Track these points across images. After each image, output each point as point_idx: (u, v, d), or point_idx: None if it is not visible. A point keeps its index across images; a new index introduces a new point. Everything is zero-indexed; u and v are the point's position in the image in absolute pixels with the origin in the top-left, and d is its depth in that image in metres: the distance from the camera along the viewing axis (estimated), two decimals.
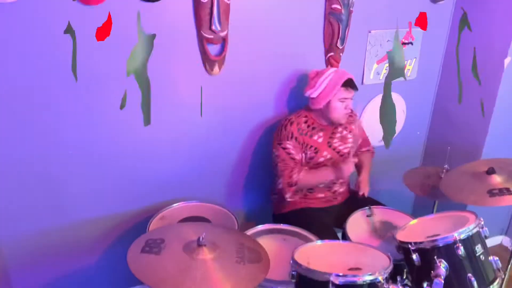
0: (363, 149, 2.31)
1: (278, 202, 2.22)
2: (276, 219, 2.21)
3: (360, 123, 2.32)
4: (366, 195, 2.14)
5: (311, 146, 2.05)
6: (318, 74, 2.03)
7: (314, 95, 2.01)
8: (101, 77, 1.85)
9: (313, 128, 2.06)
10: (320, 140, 2.07)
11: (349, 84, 1.98)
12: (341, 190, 2.20)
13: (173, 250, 1.40)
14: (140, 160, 2.07)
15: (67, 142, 1.89)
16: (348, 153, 2.14)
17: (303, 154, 2.05)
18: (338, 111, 2.02)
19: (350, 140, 2.17)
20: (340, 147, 2.13)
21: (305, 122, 2.06)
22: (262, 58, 2.13)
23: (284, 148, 2.02)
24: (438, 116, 2.80)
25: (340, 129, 2.13)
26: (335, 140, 2.11)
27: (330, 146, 2.09)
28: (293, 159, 2.02)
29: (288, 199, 2.06)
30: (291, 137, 2.01)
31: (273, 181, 2.23)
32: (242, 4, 1.97)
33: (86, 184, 2.00)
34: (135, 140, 2.02)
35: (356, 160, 2.08)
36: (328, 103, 2.00)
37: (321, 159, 2.07)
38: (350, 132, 2.17)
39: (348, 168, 2.03)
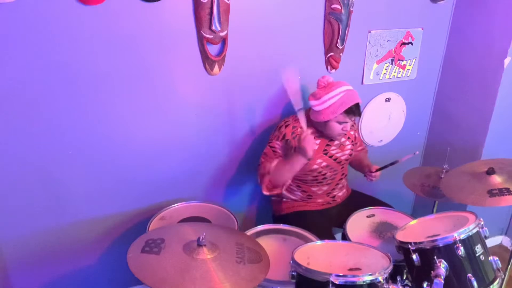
0: (359, 148, 2.31)
1: (277, 204, 2.22)
2: (276, 220, 2.21)
3: (356, 126, 2.31)
4: (377, 174, 2.10)
5: (288, 142, 2.00)
6: (328, 87, 1.94)
7: (315, 109, 1.96)
8: (101, 77, 1.85)
9: (311, 134, 1.99)
10: (316, 147, 2.02)
11: (352, 111, 1.91)
12: (340, 194, 2.21)
13: (173, 250, 1.40)
14: (140, 160, 2.07)
15: (67, 142, 1.89)
16: (346, 159, 2.14)
17: None
18: (334, 131, 1.97)
19: (349, 147, 2.14)
20: (338, 154, 2.09)
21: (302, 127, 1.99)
22: (262, 58, 2.13)
23: (272, 147, 2.01)
24: (438, 116, 2.80)
25: None
26: (333, 148, 2.07)
27: (326, 154, 2.06)
28: (275, 152, 1.99)
29: (264, 193, 1.98)
30: (282, 138, 1.98)
31: None
32: (242, 4, 1.97)
33: (86, 184, 2.00)
34: (135, 140, 2.02)
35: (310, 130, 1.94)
36: (327, 121, 1.95)
37: (315, 167, 2.04)
38: (348, 138, 2.14)
39: (308, 144, 1.85)
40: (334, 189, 2.16)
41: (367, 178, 2.15)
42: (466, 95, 2.57)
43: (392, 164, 2.05)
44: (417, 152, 2.07)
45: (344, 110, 1.89)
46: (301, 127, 1.95)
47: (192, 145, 2.16)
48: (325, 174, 2.08)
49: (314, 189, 2.12)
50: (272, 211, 2.28)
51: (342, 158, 2.12)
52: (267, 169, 1.96)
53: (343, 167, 2.16)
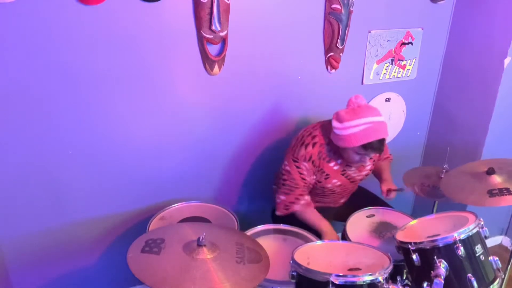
0: (384, 156, 2.24)
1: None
2: (276, 218, 2.21)
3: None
4: (391, 195, 2.06)
5: (324, 172, 1.93)
6: (355, 112, 1.76)
7: (336, 132, 1.79)
8: (102, 77, 1.85)
9: (334, 153, 1.91)
10: (336, 167, 1.94)
11: (372, 147, 1.75)
12: (342, 200, 2.19)
13: (173, 250, 1.40)
14: (140, 160, 2.07)
15: (67, 142, 1.89)
16: (361, 179, 2.08)
17: (314, 176, 1.95)
18: (352, 159, 1.86)
19: (368, 167, 2.04)
20: (354, 175, 2.02)
21: (328, 144, 1.89)
22: (262, 58, 2.13)
23: (298, 167, 1.89)
24: (438, 116, 2.80)
25: None
26: (353, 169, 1.99)
27: (343, 174, 1.98)
28: (304, 179, 1.92)
29: (277, 214, 2.02)
30: (309, 160, 1.87)
31: (274, 181, 2.23)
32: (242, 4, 1.97)
33: (86, 184, 2.00)
34: (135, 140, 2.02)
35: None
36: (345, 148, 1.82)
37: (329, 185, 1.98)
38: (371, 158, 1.97)
39: (331, 237, 1.85)
40: (337, 199, 2.15)
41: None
42: (466, 95, 2.57)
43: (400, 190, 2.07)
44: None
45: (363, 144, 1.74)
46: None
47: (192, 145, 2.16)
48: (334, 190, 2.05)
49: (317, 198, 2.09)
50: (272, 209, 2.28)
51: (358, 178, 2.06)
52: (293, 208, 1.93)
53: (355, 185, 2.12)
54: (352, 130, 1.74)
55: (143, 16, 1.82)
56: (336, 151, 1.89)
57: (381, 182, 2.13)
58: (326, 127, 1.92)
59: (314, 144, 1.88)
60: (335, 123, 1.80)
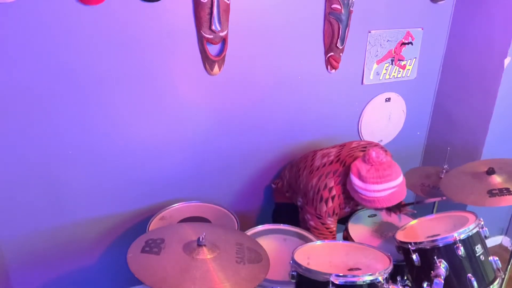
0: None
1: (278, 192, 2.22)
2: (276, 216, 2.21)
3: None
4: (406, 212, 2.06)
5: (337, 214, 1.93)
6: (379, 174, 1.68)
7: (357, 189, 1.73)
8: (102, 77, 1.85)
9: (347, 198, 1.87)
10: (347, 210, 1.96)
11: (392, 206, 1.79)
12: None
13: (173, 250, 1.40)
14: (140, 160, 2.07)
15: (67, 142, 1.89)
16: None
17: None
18: (365, 207, 1.92)
19: None
20: (355, 207, 2.04)
21: (343, 192, 1.84)
22: (262, 58, 2.13)
23: (324, 224, 1.87)
24: (438, 116, 2.80)
25: None
26: (360, 206, 2.02)
27: (351, 210, 2.00)
28: (331, 232, 1.90)
29: None
30: (333, 214, 1.85)
31: (275, 175, 2.22)
32: (242, 4, 1.97)
33: (86, 184, 2.00)
34: (135, 140, 2.02)
35: None
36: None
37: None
38: None
39: None
40: None
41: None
42: (466, 95, 2.57)
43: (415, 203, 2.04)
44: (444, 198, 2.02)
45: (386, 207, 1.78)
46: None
47: (192, 145, 2.16)
48: None
49: None
50: (272, 209, 2.28)
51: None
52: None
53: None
54: (376, 194, 1.70)
55: (143, 16, 1.82)
56: (349, 195, 1.84)
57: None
58: (340, 174, 1.85)
59: (333, 198, 1.83)
60: (356, 181, 1.73)
